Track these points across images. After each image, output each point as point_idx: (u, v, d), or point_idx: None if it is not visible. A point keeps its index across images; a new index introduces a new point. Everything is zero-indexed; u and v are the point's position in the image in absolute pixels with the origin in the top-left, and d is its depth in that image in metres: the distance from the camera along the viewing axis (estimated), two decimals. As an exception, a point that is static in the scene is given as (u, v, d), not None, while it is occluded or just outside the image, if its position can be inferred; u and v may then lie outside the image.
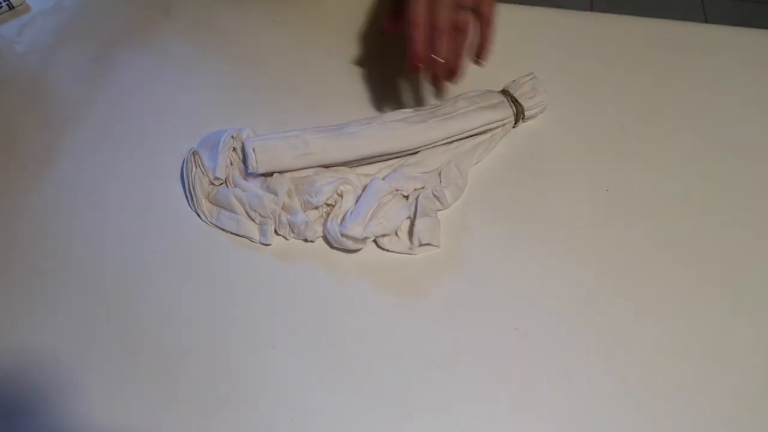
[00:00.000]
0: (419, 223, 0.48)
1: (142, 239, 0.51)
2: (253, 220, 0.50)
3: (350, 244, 0.48)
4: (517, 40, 0.63)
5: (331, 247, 0.49)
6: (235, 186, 0.52)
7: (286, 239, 0.50)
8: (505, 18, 0.65)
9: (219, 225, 0.51)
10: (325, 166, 0.52)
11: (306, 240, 0.50)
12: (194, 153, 0.53)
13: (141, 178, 0.55)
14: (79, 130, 0.59)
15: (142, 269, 0.49)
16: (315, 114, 0.58)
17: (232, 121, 0.56)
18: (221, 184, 0.53)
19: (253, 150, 0.50)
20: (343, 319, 0.46)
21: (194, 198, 0.52)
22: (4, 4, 0.68)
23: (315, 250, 0.50)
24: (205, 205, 0.52)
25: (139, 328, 0.46)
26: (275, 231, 0.50)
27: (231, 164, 0.53)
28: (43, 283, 0.49)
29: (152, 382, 0.44)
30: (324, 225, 0.50)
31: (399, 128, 0.52)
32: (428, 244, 0.49)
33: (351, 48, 0.64)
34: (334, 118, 0.54)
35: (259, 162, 0.50)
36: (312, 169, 0.52)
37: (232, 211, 0.51)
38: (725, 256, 0.48)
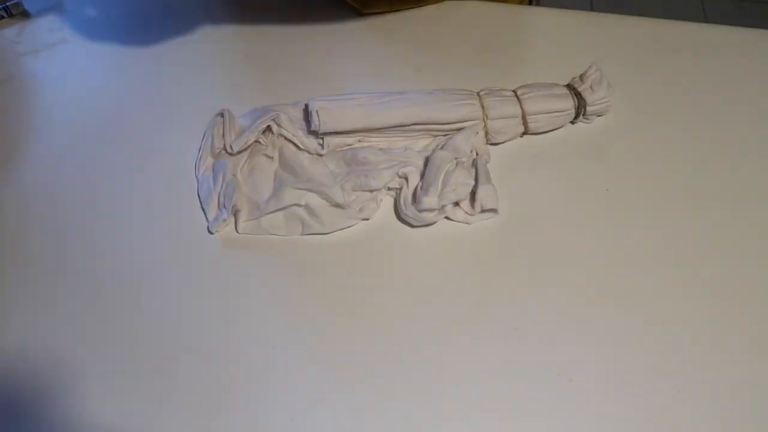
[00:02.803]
0: (481, 190, 0.49)
1: (140, 239, 0.51)
2: (219, 204, 0.51)
3: (430, 217, 0.49)
4: (518, 40, 0.63)
5: (411, 226, 0.50)
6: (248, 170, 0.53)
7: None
8: (506, 18, 0.65)
9: (198, 185, 0.53)
10: (370, 132, 0.53)
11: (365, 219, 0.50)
12: (224, 113, 0.55)
13: (140, 178, 0.55)
14: (78, 131, 0.59)
15: (142, 269, 0.49)
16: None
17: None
18: (233, 155, 0.54)
19: (317, 111, 0.51)
20: (343, 319, 0.46)
21: (201, 150, 0.54)
22: (2, 11, 0.68)
23: (320, 249, 0.50)
24: (206, 162, 0.54)
25: (139, 329, 0.46)
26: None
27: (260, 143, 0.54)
28: (43, 283, 0.49)
29: (152, 382, 0.44)
30: (399, 207, 0.50)
31: (458, 100, 0.53)
32: (486, 211, 0.49)
33: (354, 50, 0.64)
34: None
35: (322, 122, 0.51)
36: (356, 140, 0.53)
37: (215, 182, 0.52)
38: (728, 257, 0.48)
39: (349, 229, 0.51)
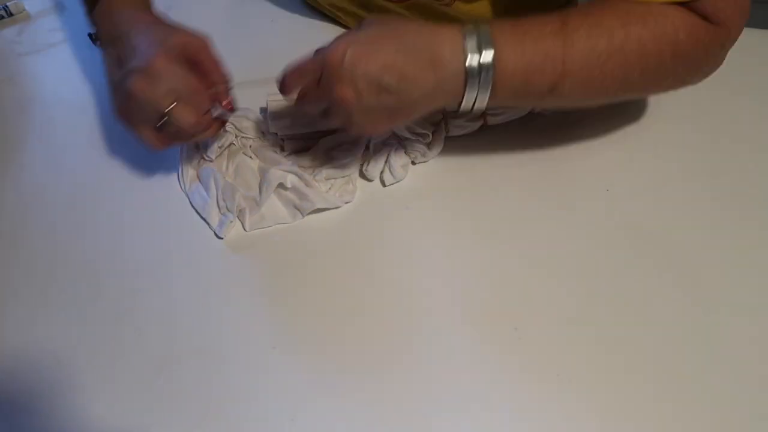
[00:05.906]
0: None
1: (141, 240, 0.51)
2: (219, 209, 0.51)
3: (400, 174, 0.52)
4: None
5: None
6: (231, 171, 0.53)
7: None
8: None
9: (189, 198, 0.53)
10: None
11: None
12: None
13: (140, 178, 0.55)
14: (78, 130, 0.59)
15: (142, 270, 0.49)
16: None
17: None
18: (212, 161, 0.54)
19: (270, 115, 0.53)
20: (343, 319, 0.46)
21: (180, 163, 0.54)
22: (2, 11, 0.68)
23: (319, 250, 0.50)
24: (189, 174, 0.53)
25: (139, 329, 0.46)
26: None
27: (233, 144, 0.55)
28: (43, 283, 0.49)
29: (152, 382, 0.43)
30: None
31: None
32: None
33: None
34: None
35: (277, 126, 0.52)
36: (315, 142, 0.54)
37: (207, 190, 0.52)
38: (726, 257, 0.48)
39: (349, 228, 0.51)
